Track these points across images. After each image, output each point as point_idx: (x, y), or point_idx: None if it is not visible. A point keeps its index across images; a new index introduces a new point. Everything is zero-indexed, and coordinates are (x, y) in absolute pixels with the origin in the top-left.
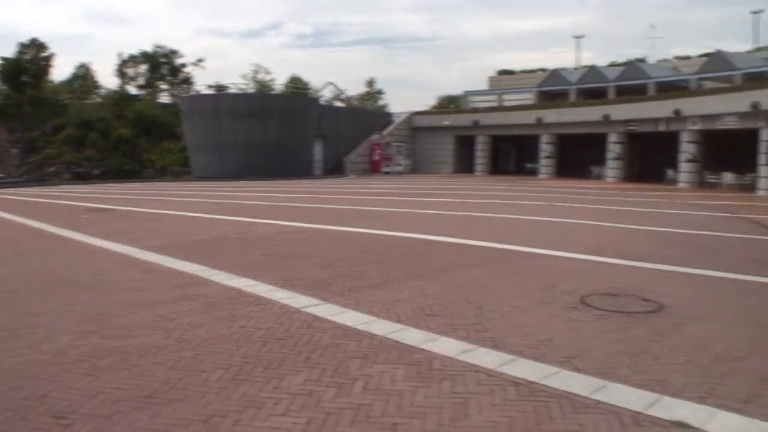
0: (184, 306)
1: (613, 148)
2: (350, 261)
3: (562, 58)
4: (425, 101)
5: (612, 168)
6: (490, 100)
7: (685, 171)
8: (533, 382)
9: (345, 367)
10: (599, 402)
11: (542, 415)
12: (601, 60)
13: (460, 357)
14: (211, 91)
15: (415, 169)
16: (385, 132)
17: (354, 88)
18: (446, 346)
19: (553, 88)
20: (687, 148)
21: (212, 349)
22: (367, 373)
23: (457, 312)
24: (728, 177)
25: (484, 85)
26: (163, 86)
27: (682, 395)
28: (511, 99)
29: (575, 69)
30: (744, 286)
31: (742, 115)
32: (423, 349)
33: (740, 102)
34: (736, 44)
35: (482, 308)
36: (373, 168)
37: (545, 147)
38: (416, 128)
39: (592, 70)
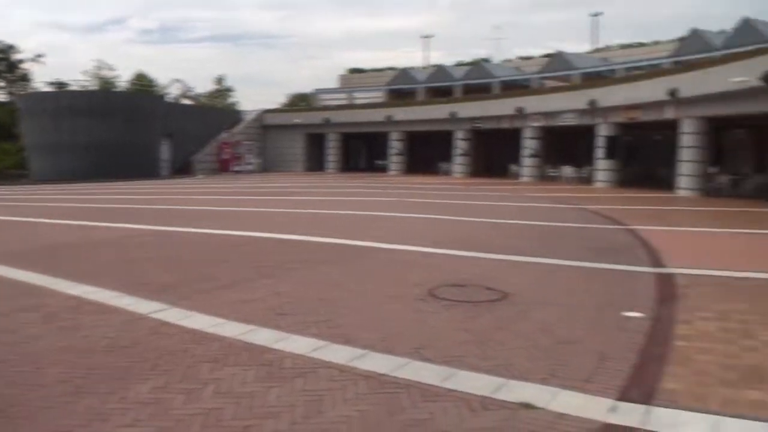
0: (22, 317)
1: (460, 144)
2: (198, 263)
3: (411, 57)
4: (276, 99)
5: (459, 164)
6: (341, 98)
7: (527, 165)
8: (384, 374)
9: (194, 372)
10: (449, 390)
11: (393, 406)
12: (448, 59)
13: (312, 354)
14: (50, 89)
15: (266, 167)
16: (235, 130)
17: (203, 85)
18: (298, 344)
19: (402, 87)
20: (529, 144)
21: (54, 361)
22: (217, 376)
23: (308, 310)
24: (567, 170)
25: (335, 84)
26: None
27: (527, 378)
28: (361, 97)
29: (424, 68)
30: (583, 273)
31: (580, 112)
32: (274, 349)
33: (578, 100)
34: (576, 45)
35: (334, 304)
36: (222, 167)
37: (395, 144)
38: (267, 126)
39: (439, 70)
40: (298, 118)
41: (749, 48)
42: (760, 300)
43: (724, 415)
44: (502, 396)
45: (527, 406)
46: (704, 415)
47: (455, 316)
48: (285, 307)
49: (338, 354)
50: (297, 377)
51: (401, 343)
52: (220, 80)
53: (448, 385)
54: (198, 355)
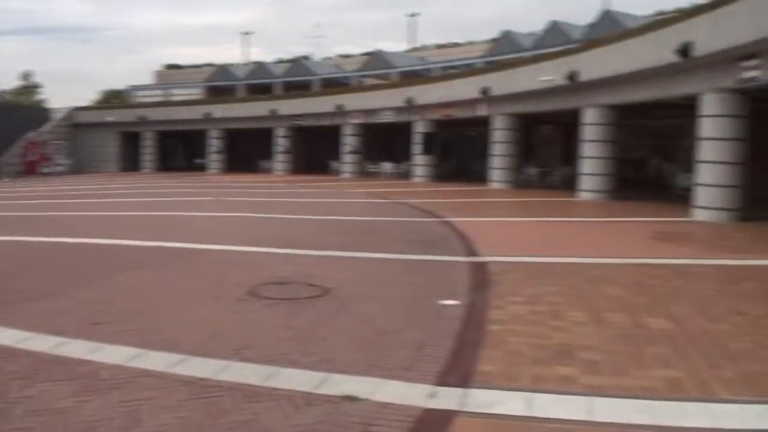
0: None
1: (281, 142)
2: (2, 273)
3: (231, 53)
4: (90, 96)
5: (280, 161)
6: (157, 95)
7: (348, 162)
8: (205, 378)
9: (3, 391)
10: (272, 388)
11: (215, 410)
12: (268, 57)
13: (130, 364)
14: None
15: (78, 168)
16: (43, 129)
17: (9, 81)
18: (114, 354)
19: (221, 84)
20: (349, 141)
21: None
22: (29, 394)
23: (124, 317)
24: (387, 166)
25: (151, 80)
26: None
27: (350, 370)
28: (179, 94)
29: (244, 65)
30: (402, 265)
31: (398, 110)
32: (89, 361)
33: (396, 98)
34: (394, 44)
35: (151, 310)
36: (29, 169)
37: (214, 142)
38: (78, 125)
39: (260, 67)
40: (111, 116)
41: (556, 49)
42: (566, 283)
43: (536, 392)
44: (325, 390)
45: (350, 399)
46: (518, 392)
47: (277, 314)
48: (99, 315)
49: (157, 361)
50: (114, 389)
51: (222, 346)
52: (27, 76)
53: (271, 383)
54: (7, 373)
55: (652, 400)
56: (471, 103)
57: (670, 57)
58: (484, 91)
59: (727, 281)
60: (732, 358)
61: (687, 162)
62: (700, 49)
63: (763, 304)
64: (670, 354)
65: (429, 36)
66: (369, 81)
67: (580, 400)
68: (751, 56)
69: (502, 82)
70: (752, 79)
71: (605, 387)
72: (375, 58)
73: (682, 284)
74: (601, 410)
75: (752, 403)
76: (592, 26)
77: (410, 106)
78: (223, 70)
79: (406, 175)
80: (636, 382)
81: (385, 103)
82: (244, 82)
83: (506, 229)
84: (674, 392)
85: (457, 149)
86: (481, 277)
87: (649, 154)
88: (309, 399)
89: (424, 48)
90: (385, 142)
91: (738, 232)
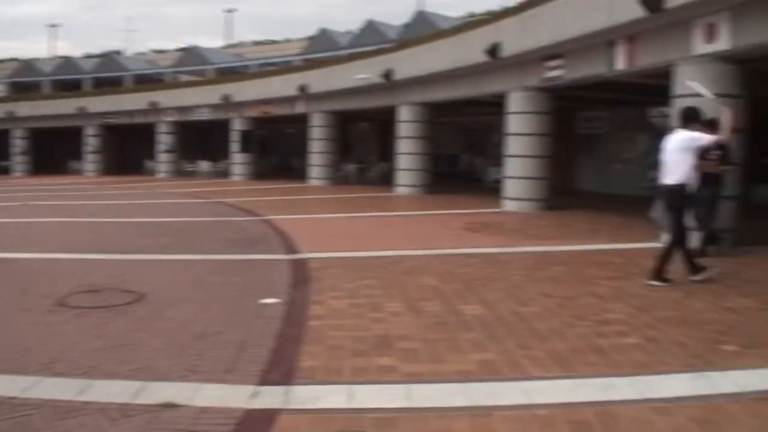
0: None
1: (91, 141)
2: None
3: (37, 47)
4: None
5: (91, 162)
6: None
7: (163, 161)
8: (13, 397)
9: None
10: (85, 402)
11: (24, 430)
12: (77, 51)
13: None
14: None
15: None
16: None
17: None
18: None
19: (26, 80)
20: (164, 139)
21: None
22: None
23: None
24: (204, 165)
25: None
26: None
27: (167, 377)
28: None
29: (50, 59)
30: (218, 265)
31: (215, 107)
32: None
33: (213, 95)
34: (210, 40)
35: None
36: None
37: (18, 142)
38: None
39: (67, 62)
40: None
41: (372, 48)
42: (384, 276)
43: (358, 383)
44: (142, 400)
45: (169, 406)
46: (340, 385)
47: (89, 323)
48: None
49: None
50: None
51: (30, 361)
52: None
53: (85, 397)
54: None
55: (468, 383)
56: (289, 100)
57: (479, 57)
58: (302, 89)
59: (535, 267)
60: (541, 338)
61: (497, 156)
62: (508, 49)
63: (570, 287)
64: (484, 338)
65: (246, 33)
66: (184, 77)
67: (399, 388)
68: (554, 57)
69: (319, 80)
70: (555, 78)
71: (423, 374)
72: (190, 54)
73: (494, 271)
74: (419, 396)
75: (561, 378)
76: (407, 26)
77: (227, 104)
78: (27, 65)
79: (224, 174)
80: (452, 367)
81: (201, 100)
82: (50, 78)
83: (326, 226)
84: (488, 374)
85: (276, 147)
86: (301, 274)
87: (462, 150)
88: (125, 410)
89: (241, 45)
90: (201, 141)
91: (544, 221)
